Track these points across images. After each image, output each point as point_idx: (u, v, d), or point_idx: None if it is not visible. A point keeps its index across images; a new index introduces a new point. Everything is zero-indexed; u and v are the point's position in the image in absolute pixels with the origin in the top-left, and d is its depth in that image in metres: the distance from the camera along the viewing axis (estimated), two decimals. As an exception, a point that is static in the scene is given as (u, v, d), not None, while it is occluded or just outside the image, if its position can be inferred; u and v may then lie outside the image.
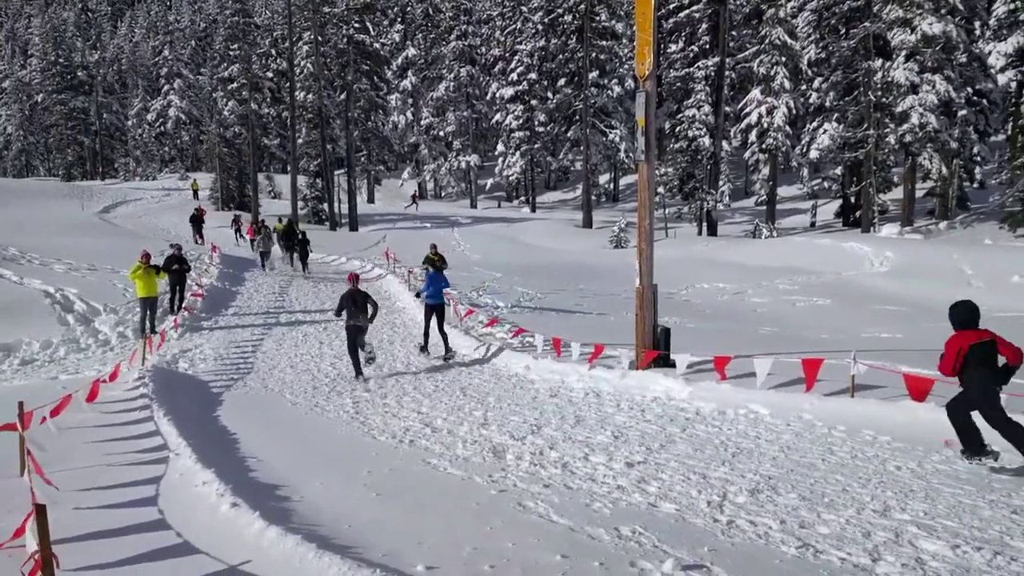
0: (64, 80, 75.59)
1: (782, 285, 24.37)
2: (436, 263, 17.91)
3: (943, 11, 31.44)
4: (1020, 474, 6.00)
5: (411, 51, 60.96)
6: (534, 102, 50.46)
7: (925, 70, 31.88)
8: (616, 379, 10.23)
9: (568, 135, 48.77)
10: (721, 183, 41.70)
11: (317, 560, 4.42)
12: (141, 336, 14.10)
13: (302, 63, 46.26)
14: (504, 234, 39.42)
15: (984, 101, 36.18)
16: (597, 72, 45.29)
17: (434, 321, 13.00)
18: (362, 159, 49.89)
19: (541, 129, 50.99)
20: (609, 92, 45.83)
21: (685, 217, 43.65)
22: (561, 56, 47.35)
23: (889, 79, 32.88)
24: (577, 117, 46.49)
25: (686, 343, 10.95)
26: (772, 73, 37.36)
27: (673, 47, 44.73)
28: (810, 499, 5.62)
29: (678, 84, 43.90)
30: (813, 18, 39.23)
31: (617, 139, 45.80)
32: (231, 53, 49.41)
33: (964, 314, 6.39)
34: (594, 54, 45.00)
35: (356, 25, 45.30)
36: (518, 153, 51.32)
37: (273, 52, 51.61)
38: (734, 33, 43.46)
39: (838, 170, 39.55)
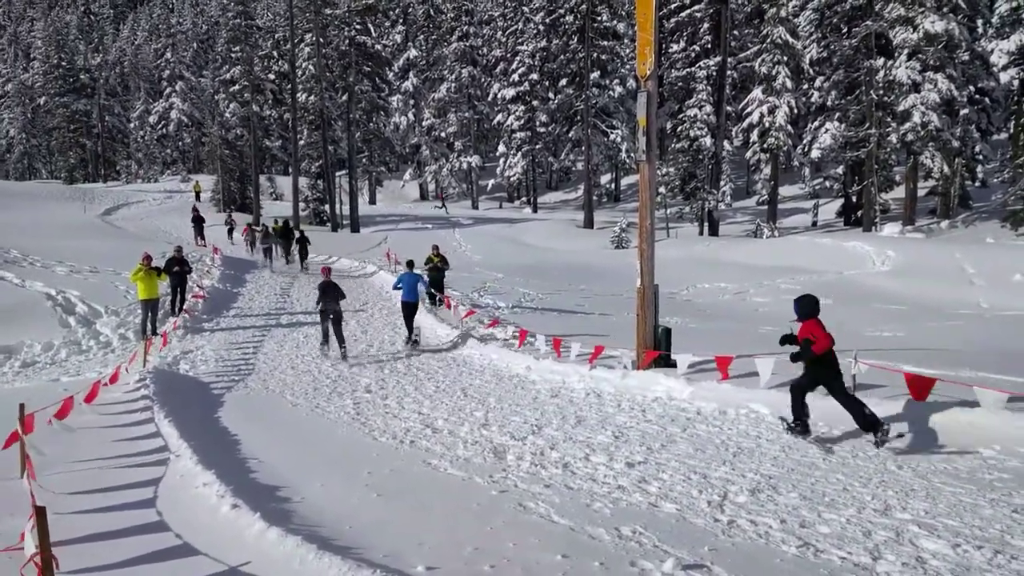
0: (66, 83, 75.72)
1: (784, 285, 24.34)
2: (438, 264, 17.91)
3: (945, 9, 31.40)
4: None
5: (412, 52, 60.99)
6: (535, 102, 50.44)
7: (927, 68, 31.83)
8: (617, 379, 10.22)
9: (569, 135, 48.75)
10: (723, 183, 41.66)
11: (317, 561, 4.42)
12: (142, 338, 14.11)
13: (304, 65, 46.31)
14: (506, 235, 39.43)
15: (986, 99, 36.12)
16: (598, 72, 45.26)
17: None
18: (363, 160, 49.92)
19: (542, 129, 50.97)
20: (610, 92, 45.80)
21: (687, 217, 43.62)
22: (562, 56, 47.33)
23: (891, 78, 32.83)
24: (578, 117, 46.47)
25: (687, 343, 10.94)
26: (774, 72, 37.33)
27: (675, 47, 44.70)
28: (811, 498, 5.61)
29: (680, 84, 43.87)
30: (815, 17, 39.20)
31: (618, 139, 45.77)
32: (233, 55, 49.44)
33: (809, 306, 7.39)
34: (595, 54, 44.97)
35: (358, 27, 45.33)
36: (519, 154, 51.32)
37: (275, 54, 51.68)
38: (735, 32, 43.43)
39: (840, 169, 39.50)
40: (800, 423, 7.30)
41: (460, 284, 21.83)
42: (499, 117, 53.23)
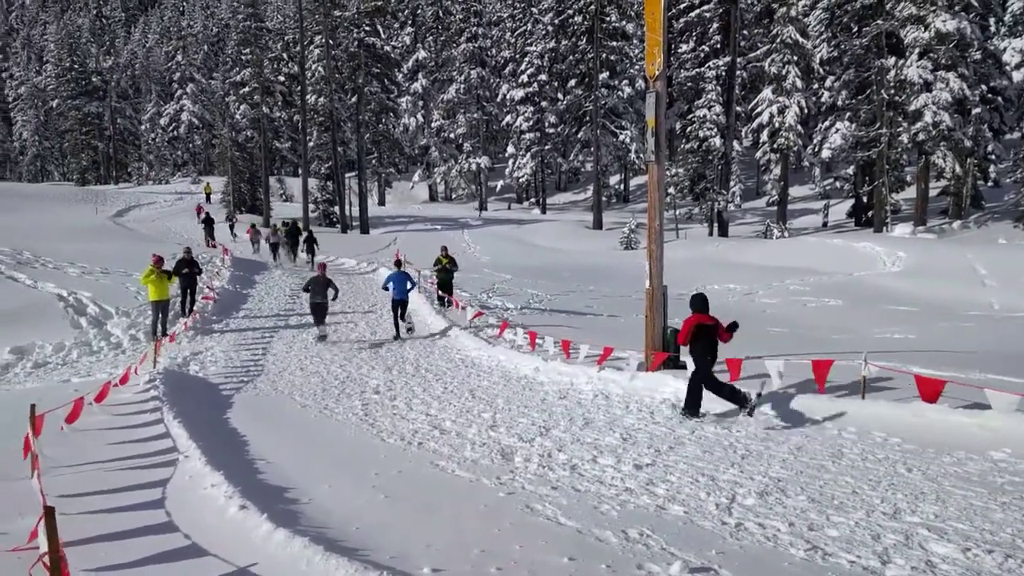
0: (79, 86, 76.28)
1: (793, 286, 24.24)
2: (446, 266, 17.93)
3: (957, 8, 31.20)
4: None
5: (421, 53, 61.12)
6: (544, 103, 50.43)
7: (939, 68, 31.62)
8: (625, 381, 10.20)
9: (578, 136, 48.72)
10: (732, 183, 41.53)
11: (324, 562, 4.43)
12: (153, 339, 14.19)
13: (313, 67, 46.48)
14: (514, 236, 39.43)
15: (999, 98, 35.84)
16: (607, 73, 45.22)
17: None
18: (373, 162, 50.05)
19: (551, 130, 50.96)
20: (619, 93, 45.75)
21: (696, 218, 43.50)
22: (571, 57, 47.30)
23: (902, 77, 32.64)
24: (587, 118, 46.42)
25: (696, 344, 10.89)
26: (783, 72, 37.17)
27: (684, 47, 44.61)
28: (819, 501, 5.58)
29: (689, 84, 43.78)
30: (825, 16, 39.01)
31: (627, 140, 45.71)
32: (243, 57, 49.68)
33: (698, 302, 8.65)
34: (604, 55, 44.93)
35: (367, 28, 45.46)
36: (528, 155, 51.32)
37: (285, 56, 51.81)
38: (745, 32, 43.28)
39: (850, 170, 39.29)
40: (694, 409, 8.48)
41: (469, 285, 21.85)
42: (508, 118, 53.26)
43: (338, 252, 30.46)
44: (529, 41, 53.49)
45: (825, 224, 40.92)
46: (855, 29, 36.87)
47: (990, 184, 38.68)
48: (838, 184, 41.76)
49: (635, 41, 46.11)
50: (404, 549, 4.83)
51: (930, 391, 7.67)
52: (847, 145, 36.28)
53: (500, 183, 59.17)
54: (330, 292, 15.09)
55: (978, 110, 32.81)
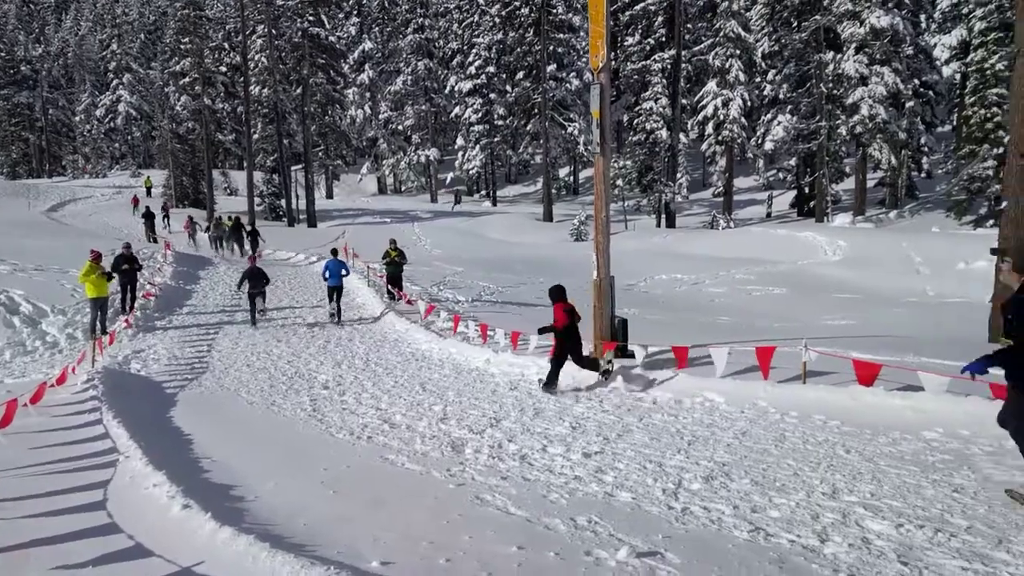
0: (6, 75, 73.14)
1: (739, 275, 24.76)
2: (395, 259, 17.78)
3: (890, 4, 32.20)
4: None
5: (368, 44, 60.32)
6: (493, 95, 50.34)
7: (874, 62, 32.62)
8: (575, 370, 10.28)
9: (527, 128, 48.81)
10: (679, 175, 42.17)
11: (270, 559, 4.38)
12: (91, 337, 13.75)
13: (256, 57, 45.45)
14: (465, 228, 39.33)
15: (930, 92, 37.19)
16: (555, 65, 45.37)
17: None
18: (320, 154, 49.30)
19: (500, 122, 50.93)
20: (568, 85, 45.95)
21: (644, 209, 44.05)
22: (519, 49, 47.31)
23: (840, 71, 33.58)
24: (536, 110, 46.53)
25: (645, 334, 11.06)
26: (727, 66, 37.87)
27: (630, 40, 45.04)
28: (762, 484, 5.73)
29: (636, 77, 44.23)
30: (766, 11, 39.84)
31: (576, 132, 45.98)
32: (182, 47, 48.26)
33: (555, 293, 9.92)
34: (551, 47, 45.05)
35: (311, 18, 44.65)
36: (478, 147, 51.21)
37: (226, 46, 50.59)
38: (689, 26, 43.92)
39: (792, 161, 40.30)
40: (552, 385, 9.53)
41: (420, 278, 21.73)
42: (457, 110, 53.02)
43: (285, 246, 29.94)
44: (476, 33, 53.29)
45: (769, 214, 41.89)
46: (795, 24, 37.79)
47: (923, 175, 40.12)
48: (781, 175, 42.78)
49: (582, 34, 46.34)
50: (352, 544, 4.80)
51: (866, 375, 7.94)
52: (789, 137, 37.19)
53: (450, 175, 58.96)
54: (265, 281, 16.34)
55: (911, 104, 33.99)
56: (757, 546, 4.60)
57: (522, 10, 46.01)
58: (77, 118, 76.84)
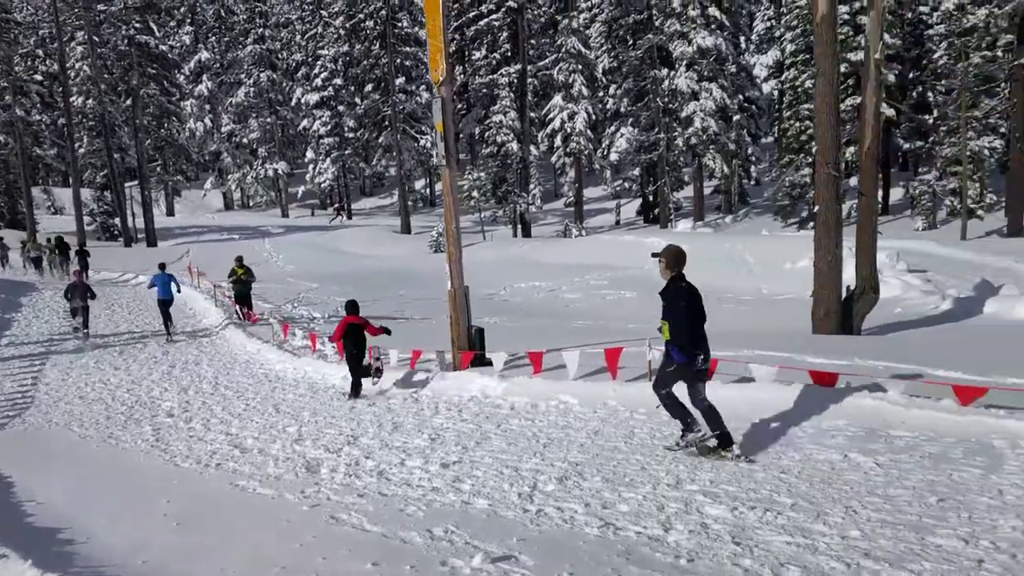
0: None
1: (592, 281, 25.67)
2: (242, 277, 17.06)
3: (713, 26, 34.74)
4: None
5: (204, 54, 57.50)
6: (342, 108, 49.51)
7: (703, 79, 35.03)
8: (435, 382, 10.30)
9: (380, 141, 48.34)
10: (532, 186, 43.22)
11: (104, 604, 4.07)
12: None
13: (77, 65, 42.11)
14: (320, 243, 38.31)
15: (754, 107, 40.45)
16: (404, 78, 45.30)
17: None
18: (157, 169, 46.38)
19: (351, 135, 50.15)
20: (418, 98, 46.01)
21: (500, 220, 44.78)
22: (366, 62, 46.82)
23: (674, 87, 35.79)
24: (387, 123, 46.20)
25: (504, 341, 11.24)
26: (571, 80, 39.33)
27: (477, 54, 45.72)
28: (613, 480, 5.98)
29: (484, 90, 44.95)
30: (604, 29, 41.76)
31: (429, 144, 46.03)
32: (-11, 53, 43.98)
33: (349, 307, 10.66)
34: (399, 60, 44.93)
35: (137, 25, 41.90)
36: (329, 159, 50.13)
37: (40, 52, 46.52)
38: (533, 41, 45.23)
39: (636, 171, 42.41)
40: (356, 390, 10.28)
41: (272, 296, 20.98)
42: (305, 122, 51.69)
43: (120, 267, 27.91)
44: (321, 44, 52.24)
45: (618, 222, 43.81)
46: (631, 42, 39.88)
47: (753, 182, 43.53)
48: (627, 185, 44.88)
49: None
50: (198, 577, 4.55)
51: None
52: (632, 149, 39.16)
53: (301, 189, 57.26)
54: (89, 295, 16.38)
55: (738, 117, 36.81)
56: (607, 540, 4.80)
57: (367, 23, 45.56)
58: None
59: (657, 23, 36.79)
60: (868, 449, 6.25)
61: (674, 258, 6.48)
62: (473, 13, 43.98)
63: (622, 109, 39.79)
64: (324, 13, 53.54)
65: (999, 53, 28.74)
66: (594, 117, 40.36)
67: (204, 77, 56.87)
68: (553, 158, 43.68)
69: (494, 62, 44.07)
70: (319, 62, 50.58)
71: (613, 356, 9.12)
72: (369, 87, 47.06)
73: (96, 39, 40.07)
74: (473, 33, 44.70)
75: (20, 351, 15.08)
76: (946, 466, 5.72)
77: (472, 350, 10.65)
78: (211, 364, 13.59)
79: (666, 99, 36.93)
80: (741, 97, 37.83)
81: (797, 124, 33.79)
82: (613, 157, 40.08)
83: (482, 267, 25.02)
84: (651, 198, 41.92)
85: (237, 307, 17.19)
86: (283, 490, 6.37)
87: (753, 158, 41.05)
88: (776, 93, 39.89)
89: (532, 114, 43.66)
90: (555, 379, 9.35)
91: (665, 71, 36.65)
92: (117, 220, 41.81)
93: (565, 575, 4.35)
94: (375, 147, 50.23)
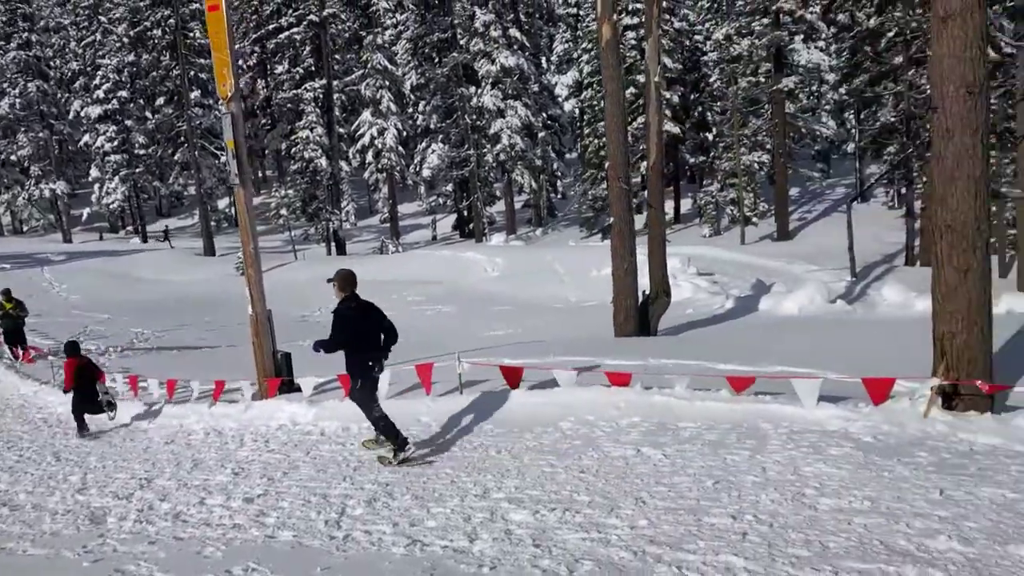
0: None
1: (410, 297, 25.62)
2: (10, 311, 15.26)
3: (515, 47, 36.19)
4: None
5: (-42, 61, 50.91)
6: (129, 122, 45.85)
7: (508, 97, 36.32)
8: (239, 413, 9.79)
9: (176, 158, 45.28)
10: (344, 203, 42.45)
11: None
12: None
13: None
14: (110, 269, 35.11)
15: (557, 124, 42.50)
16: (199, 91, 42.80)
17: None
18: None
19: (142, 152, 46.52)
20: (216, 112, 43.54)
21: (313, 238, 43.52)
22: (155, 73, 43.76)
23: (480, 104, 36.77)
24: (183, 139, 43.38)
25: (315, 365, 10.85)
26: (379, 96, 39.18)
27: (279, 68, 44.27)
28: (422, 497, 6.00)
29: (289, 105, 43.61)
30: (410, 46, 42.06)
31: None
32: None
33: (71, 348, 10.52)
34: (193, 72, 42.42)
35: None
36: (117, 178, 46.14)
37: None
38: (338, 56, 44.54)
39: (449, 187, 43.01)
40: (81, 429, 10.14)
41: (54, 330, 19.00)
42: (87, 138, 47.23)
43: None
44: (101, 53, 48.05)
45: (434, 237, 44.10)
46: (437, 59, 40.51)
47: (560, 196, 45.63)
48: (441, 200, 45.35)
49: (229, 59, 44.42)
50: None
51: (512, 378, 8.78)
52: (444, 164, 39.68)
53: (87, 211, 52.20)
54: None
55: (543, 134, 38.53)
56: (413, 558, 4.81)
57: (154, 31, 42.58)
58: None
59: (462, 42, 37.64)
60: (658, 442, 6.76)
61: (344, 280, 7.18)
62: (273, 26, 42.56)
63: (432, 125, 40.21)
64: (103, 19, 49.30)
65: (761, 79, 32.39)
66: (404, 133, 40.44)
67: (-42, 86, 50.30)
68: (366, 174, 43.19)
69: (298, 76, 42.85)
70: (100, 72, 46.44)
71: (426, 371, 9.18)
72: (161, 100, 43.98)
73: None
74: (274, 46, 43.22)
75: None
76: (723, 451, 6.32)
77: (279, 376, 10.26)
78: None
79: (474, 116, 37.83)
80: (545, 115, 39.59)
81: (596, 141, 35.90)
82: (426, 173, 40.38)
83: (295, 287, 24.13)
84: (465, 213, 42.65)
85: (7, 347, 15.35)
86: (60, 547, 5.76)
87: (559, 173, 43.04)
88: (577, 111, 42.14)
89: (341, 130, 42.92)
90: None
91: (472, 88, 37.54)
92: None
93: (370, 599, 4.31)
94: (171, 164, 46.95)
